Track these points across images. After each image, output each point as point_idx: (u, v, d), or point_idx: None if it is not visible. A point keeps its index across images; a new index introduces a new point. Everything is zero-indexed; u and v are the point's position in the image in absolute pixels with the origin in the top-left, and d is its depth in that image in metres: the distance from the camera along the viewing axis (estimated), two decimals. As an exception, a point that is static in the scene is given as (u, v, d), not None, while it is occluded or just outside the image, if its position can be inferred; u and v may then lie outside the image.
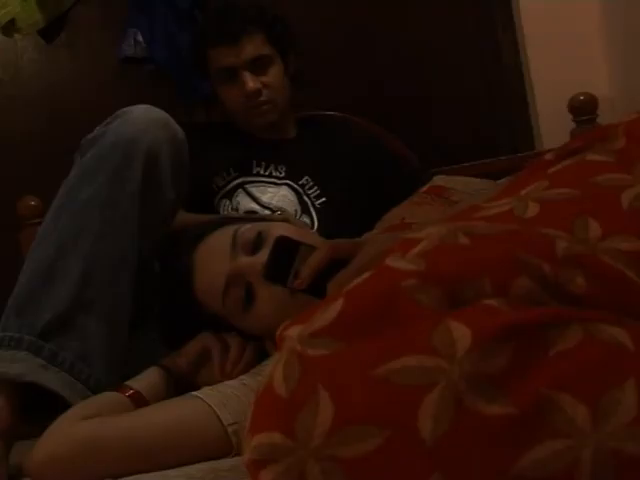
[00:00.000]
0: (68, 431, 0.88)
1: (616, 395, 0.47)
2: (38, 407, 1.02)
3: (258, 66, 1.63)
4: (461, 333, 0.50)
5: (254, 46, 1.62)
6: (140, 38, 2.08)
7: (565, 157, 0.77)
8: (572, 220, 0.63)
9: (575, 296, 0.56)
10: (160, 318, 1.17)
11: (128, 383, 0.99)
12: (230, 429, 0.87)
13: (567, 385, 0.48)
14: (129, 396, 0.96)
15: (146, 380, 1.00)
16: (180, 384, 1.03)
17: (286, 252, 0.91)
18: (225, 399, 0.89)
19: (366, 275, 0.59)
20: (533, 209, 0.65)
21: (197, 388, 0.97)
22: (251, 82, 1.62)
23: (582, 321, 0.51)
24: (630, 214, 0.63)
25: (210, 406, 0.88)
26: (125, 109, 1.15)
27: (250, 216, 1.26)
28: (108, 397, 0.97)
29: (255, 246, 1.01)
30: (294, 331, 0.55)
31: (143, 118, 1.12)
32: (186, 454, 0.87)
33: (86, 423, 0.89)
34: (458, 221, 0.64)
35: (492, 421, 0.47)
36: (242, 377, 0.96)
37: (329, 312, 0.55)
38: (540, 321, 0.51)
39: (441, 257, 0.58)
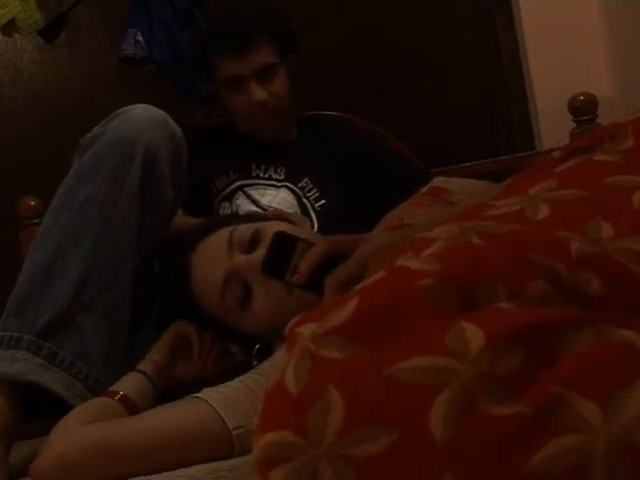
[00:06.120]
0: (77, 436, 0.87)
1: (626, 394, 0.47)
2: (37, 407, 1.02)
3: (265, 75, 1.63)
4: (474, 334, 0.50)
5: (261, 56, 1.61)
6: (140, 38, 2.08)
7: (572, 155, 0.76)
8: (584, 222, 0.62)
9: (590, 297, 0.55)
10: (160, 318, 1.18)
11: (113, 388, 0.99)
12: (234, 433, 0.87)
13: (577, 385, 0.48)
14: (119, 399, 0.96)
15: (128, 384, 1.00)
16: (161, 383, 1.04)
17: (284, 247, 0.91)
18: (229, 401, 0.89)
19: (380, 274, 0.58)
20: (544, 210, 0.65)
21: (178, 383, 1.02)
22: (259, 93, 1.61)
23: (594, 323, 0.51)
24: None
25: (215, 409, 0.88)
26: (124, 108, 1.15)
27: (244, 215, 1.27)
28: (101, 402, 0.97)
29: (251, 245, 1.03)
30: (307, 329, 0.55)
31: (142, 117, 1.12)
32: (191, 457, 0.87)
33: (93, 427, 0.89)
34: (468, 220, 0.64)
35: (503, 421, 0.47)
36: (242, 377, 0.96)
37: (343, 311, 0.54)
38: (552, 323, 0.51)
39: (455, 258, 0.57)
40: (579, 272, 0.56)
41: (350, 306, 0.54)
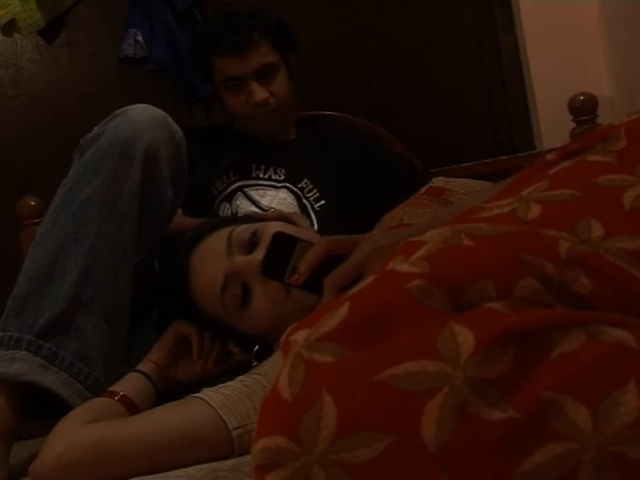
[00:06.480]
0: (77, 436, 0.87)
1: (617, 397, 0.47)
2: (37, 407, 1.02)
3: (265, 74, 1.63)
4: (464, 337, 0.50)
5: (261, 55, 1.62)
6: (140, 38, 2.08)
7: (566, 157, 0.76)
8: (574, 221, 0.62)
9: (580, 296, 0.56)
10: (160, 318, 1.18)
11: (113, 388, 0.99)
12: (235, 433, 0.87)
13: (569, 387, 0.48)
14: (119, 399, 0.97)
15: (128, 384, 1.01)
16: (161, 383, 1.04)
17: (283, 248, 0.91)
18: (229, 401, 0.89)
19: (370, 279, 0.58)
20: (535, 210, 0.65)
21: (178, 383, 1.02)
22: (259, 93, 1.61)
23: (585, 323, 0.51)
24: (632, 214, 0.63)
25: (215, 409, 0.88)
26: (124, 108, 1.15)
27: (243, 217, 1.27)
28: (101, 402, 0.97)
29: (250, 245, 1.03)
30: (300, 336, 0.55)
31: (142, 117, 1.12)
32: (191, 457, 0.87)
33: (93, 427, 0.89)
34: (460, 223, 0.64)
35: (495, 426, 0.47)
36: (241, 377, 0.96)
37: (335, 316, 0.54)
38: (542, 324, 0.51)
39: (445, 260, 0.57)
40: (568, 271, 0.56)
41: (341, 311, 0.54)
